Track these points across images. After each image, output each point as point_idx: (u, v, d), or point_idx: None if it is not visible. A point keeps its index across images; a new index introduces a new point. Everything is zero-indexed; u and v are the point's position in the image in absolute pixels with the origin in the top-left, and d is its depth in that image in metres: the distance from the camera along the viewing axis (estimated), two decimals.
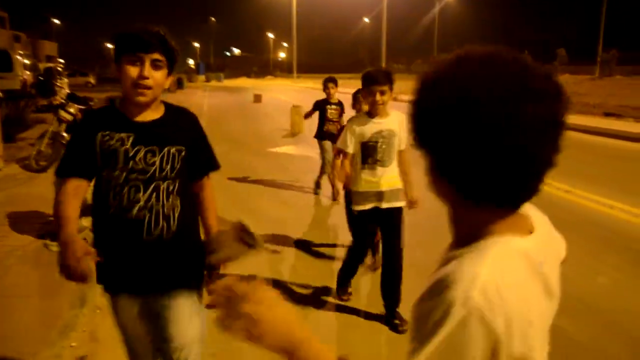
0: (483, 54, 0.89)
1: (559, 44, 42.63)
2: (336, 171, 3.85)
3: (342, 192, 4.40)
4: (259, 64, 72.70)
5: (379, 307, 3.79)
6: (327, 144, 7.01)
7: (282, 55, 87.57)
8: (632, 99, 18.60)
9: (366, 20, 69.00)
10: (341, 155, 3.75)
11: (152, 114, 2.08)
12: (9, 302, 3.77)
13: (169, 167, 2.08)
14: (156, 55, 1.97)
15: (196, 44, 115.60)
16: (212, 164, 2.32)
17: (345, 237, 4.51)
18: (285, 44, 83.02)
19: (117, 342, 2.33)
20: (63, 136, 6.67)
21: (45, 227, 5.21)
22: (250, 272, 1.01)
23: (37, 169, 7.68)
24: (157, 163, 2.05)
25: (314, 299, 4.10)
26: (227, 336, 0.93)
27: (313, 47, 74.94)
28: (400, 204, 3.69)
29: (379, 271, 3.88)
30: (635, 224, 5.93)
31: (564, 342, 3.13)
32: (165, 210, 2.08)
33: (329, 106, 7.13)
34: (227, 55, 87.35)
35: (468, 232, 0.91)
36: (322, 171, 7.27)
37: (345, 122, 6.56)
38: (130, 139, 2.02)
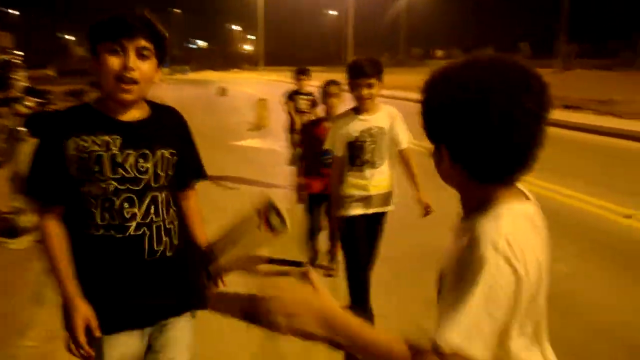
0: (489, 58, 1.09)
1: (523, 37, 43.46)
2: (333, 182, 3.37)
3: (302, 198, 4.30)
4: (225, 57, 71.95)
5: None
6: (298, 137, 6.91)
7: (247, 47, 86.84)
8: (590, 92, 19.09)
9: (334, 13, 68.97)
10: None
11: (138, 113, 1.76)
12: None
13: (164, 174, 1.78)
14: (142, 42, 1.64)
15: None
16: (200, 172, 2.01)
17: (322, 237, 4.50)
18: (251, 37, 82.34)
19: None
20: (19, 131, 6.46)
21: (1, 223, 5.04)
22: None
23: None
24: (151, 170, 1.74)
25: None
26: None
27: (280, 40, 74.55)
28: (389, 208, 3.40)
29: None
30: (591, 212, 6.09)
31: None
32: (167, 224, 1.78)
33: (299, 96, 6.95)
34: (192, 48, 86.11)
35: (478, 205, 1.09)
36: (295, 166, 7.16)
37: (318, 114, 6.32)
38: (118, 142, 1.68)
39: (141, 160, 1.72)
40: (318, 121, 4.43)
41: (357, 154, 3.25)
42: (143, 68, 1.66)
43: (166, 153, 1.78)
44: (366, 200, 3.28)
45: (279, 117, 7.33)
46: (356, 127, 3.22)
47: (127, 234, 1.71)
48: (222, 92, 24.88)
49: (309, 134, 4.36)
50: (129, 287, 1.75)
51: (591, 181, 7.52)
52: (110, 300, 1.74)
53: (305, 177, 4.30)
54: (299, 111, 6.89)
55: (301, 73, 7.02)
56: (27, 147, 4.95)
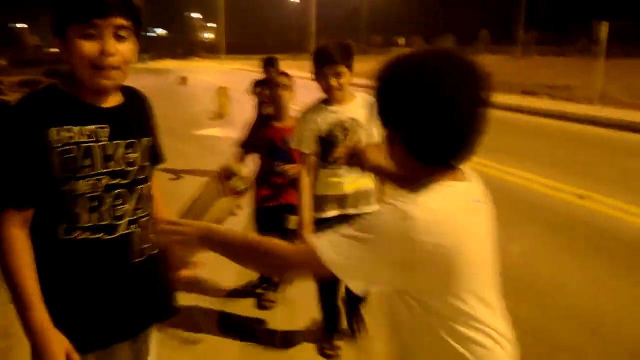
0: (438, 51, 1.22)
1: (484, 25, 44.05)
2: (303, 184, 2.95)
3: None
4: (185, 45, 70.70)
5: None
6: None
7: (208, 36, 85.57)
8: (548, 78, 19.52)
9: (295, 0, 68.50)
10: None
11: (115, 99, 1.57)
12: None
13: (148, 163, 1.62)
14: (120, 21, 1.42)
15: None
16: (161, 156, 1.81)
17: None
18: (212, 25, 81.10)
19: None
20: None
21: None
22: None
23: None
24: (138, 161, 1.57)
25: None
26: None
27: (241, 28, 73.63)
28: (371, 209, 2.92)
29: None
30: (547, 194, 6.25)
31: None
32: (150, 218, 1.63)
33: (266, 87, 6.79)
34: (151, 36, 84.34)
35: (423, 184, 1.20)
36: None
37: (293, 105, 6.33)
38: (106, 132, 1.49)
39: (130, 151, 1.55)
40: (265, 120, 3.83)
41: (329, 150, 2.90)
42: (123, 51, 1.45)
43: (148, 141, 1.63)
44: (342, 200, 2.92)
45: (240, 106, 7.23)
46: (327, 120, 2.88)
47: (117, 234, 1.52)
48: (183, 81, 24.47)
49: (255, 136, 3.78)
50: (117, 295, 1.55)
51: (547, 164, 7.72)
52: (97, 313, 1.52)
53: (256, 188, 3.62)
54: (262, 102, 6.76)
55: (269, 64, 6.52)
56: None
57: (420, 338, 1.26)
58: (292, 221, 3.23)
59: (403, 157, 1.25)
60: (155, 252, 1.62)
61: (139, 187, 1.59)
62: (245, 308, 3.66)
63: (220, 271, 3.10)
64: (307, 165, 2.96)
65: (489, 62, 26.70)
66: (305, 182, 2.94)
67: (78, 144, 1.45)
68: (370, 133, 2.86)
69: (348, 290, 2.94)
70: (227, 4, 61.28)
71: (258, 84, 6.49)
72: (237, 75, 27.79)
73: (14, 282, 1.40)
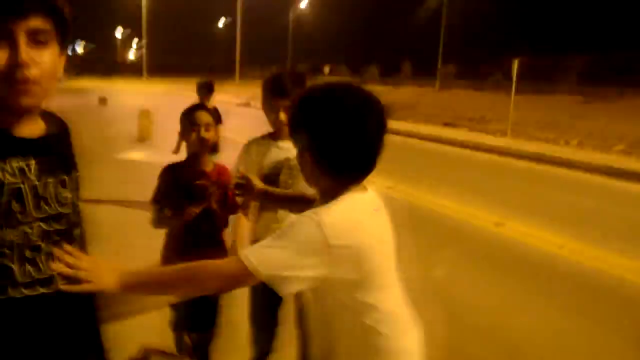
0: (348, 85, 1.47)
1: (406, 55, 45.76)
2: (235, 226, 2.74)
3: None
4: (106, 63, 68.53)
5: None
6: None
7: (131, 54, 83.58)
8: (465, 110, 20.51)
9: (220, 25, 68.43)
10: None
11: (37, 125, 1.29)
12: None
13: (78, 201, 1.38)
14: (36, 22, 1.14)
15: None
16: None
17: None
18: (135, 43, 79.36)
19: None
20: None
21: None
22: None
23: None
24: (70, 199, 1.33)
25: None
26: None
27: (166, 48, 72.41)
28: None
29: None
30: (465, 221, 6.50)
31: None
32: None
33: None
34: (69, 54, 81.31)
35: (332, 196, 1.41)
36: None
37: (222, 133, 5.71)
38: (33, 168, 1.22)
39: (60, 189, 1.29)
40: (190, 162, 2.81)
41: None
42: (42, 59, 1.17)
43: (76, 175, 1.40)
44: None
45: (164, 130, 7.03)
46: (271, 156, 2.58)
47: (55, 286, 1.27)
48: (102, 102, 23.62)
49: (174, 182, 2.80)
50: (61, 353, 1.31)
51: (466, 192, 8.05)
52: None
53: (171, 252, 2.77)
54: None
55: (204, 88, 6.27)
56: None
57: (338, 331, 1.47)
58: None
59: (316, 173, 1.45)
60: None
61: (74, 230, 1.36)
62: None
63: None
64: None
65: (412, 93, 27.79)
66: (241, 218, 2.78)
67: (2, 184, 1.16)
68: None
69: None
70: (151, 22, 60.24)
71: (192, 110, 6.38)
72: (162, 97, 27.20)
73: None
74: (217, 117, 5.90)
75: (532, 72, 20.44)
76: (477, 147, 13.33)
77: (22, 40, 1.13)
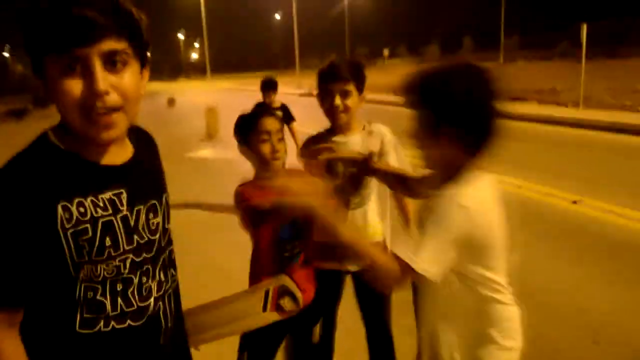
0: (466, 65, 1.52)
1: (466, 31, 44.47)
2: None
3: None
4: (170, 66, 70.68)
5: None
6: None
7: (194, 56, 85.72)
8: (533, 83, 19.69)
9: (277, 17, 68.89)
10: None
11: (123, 149, 1.21)
12: None
13: (169, 225, 1.32)
14: (109, 43, 1.02)
15: None
16: None
17: None
18: (197, 45, 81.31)
19: None
20: None
21: None
22: None
23: None
24: (160, 225, 1.27)
25: None
26: None
27: (225, 46, 73.81)
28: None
29: None
30: (540, 200, 6.27)
31: None
32: (173, 291, 1.33)
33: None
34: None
35: (456, 173, 1.47)
36: None
37: (295, 131, 5.77)
38: (124, 198, 1.16)
39: (151, 216, 1.23)
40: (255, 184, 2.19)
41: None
42: (122, 83, 1.06)
43: (166, 197, 1.32)
44: (336, 251, 2.22)
45: (230, 126, 7.14)
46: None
47: (146, 317, 1.22)
48: (171, 103, 24.46)
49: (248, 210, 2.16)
50: None
51: (539, 169, 7.75)
52: None
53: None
54: None
55: (268, 87, 5.97)
56: None
57: (457, 305, 1.55)
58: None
59: (446, 152, 1.48)
60: (177, 326, 1.36)
61: (162, 256, 1.28)
62: None
63: None
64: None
65: None
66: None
67: (93, 219, 1.09)
68: (384, 162, 2.38)
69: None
70: (210, 22, 61.54)
71: (259, 106, 6.06)
72: (226, 94, 27.81)
73: None
74: (288, 115, 5.90)
75: (601, 37, 19.34)
76: (548, 120, 12.80)
77: (98, 66, 1.02)
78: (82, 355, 1.16)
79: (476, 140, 1.47)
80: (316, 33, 54.81)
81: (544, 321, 3.53)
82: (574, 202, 6.07)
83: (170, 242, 1.33)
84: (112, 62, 1.05)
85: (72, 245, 1.08)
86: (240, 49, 77.46)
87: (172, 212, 1.36)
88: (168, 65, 69.55)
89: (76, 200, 1.08)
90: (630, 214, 5.57)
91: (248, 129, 2.15)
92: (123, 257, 1.16)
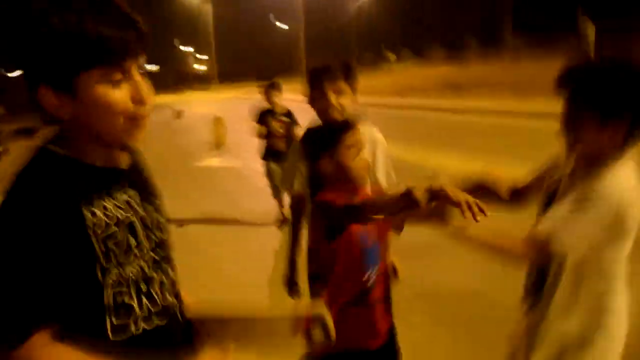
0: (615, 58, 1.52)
1: (469, 31, 44.39)
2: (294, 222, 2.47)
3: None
4: (176, 78, 71.17)
5: None
6: (274, 166, 5.77)
7: (198, 67, 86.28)
8: (539, 81, 19.57)
9: (284, 27, 69.31)
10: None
11: (123, 154, 1.26)
12: None
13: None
14: (143, 56, 1.14)
15: None
16: None
17: None
18: (201, 56, 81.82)
19: None
20: None
21: None
22: None
23: None
24: (165, 224, 1.32)
25: None
26: None
27: (231, 56, 74.19)
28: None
29: None
30: None
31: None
32: (178, 288, 1.35)
33: (272, 117, 5.82)
34: (140, 72, 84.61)
35: (607, 161, 1.49)
36: (277, 200, 5.94)
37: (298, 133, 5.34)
38: (137, 199, 1.22)
39: (157, 214, 1.29)
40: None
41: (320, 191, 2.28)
42: (150, 90, 1.16)
43: (160, 196, 1.39)
44: None
45: (237, 135, 7.18)
46: None
47: (169, 316, 1.25)
48: (178, 114, 24.54)
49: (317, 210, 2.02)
50: None
51: None
52: None
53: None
54: (273, 135, 5.79)
55: (272, 88, 5.83)
56: None
57: (579, 294, 1.54)
58: None
59: (613, 140, 1.49)
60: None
61: (171, 253, 1.33)
62: None
63: None
64: (296, 202, 2.46)
65: (480, 68, 26.84)
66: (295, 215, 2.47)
67: (119, 221, 1.13)
68: (372, 174, 2.34)
69: None
70: (215, 32, 61.91)
71: (261, 116, 5.88)
72: (232, 103, 27.91)
73: None
74: (294, 120, 5.82)
75: (608, 34, 19.20)
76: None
77: (139, 77, 1.12)
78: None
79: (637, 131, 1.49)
80: (321, 39, 54.99)
81: None
82: None
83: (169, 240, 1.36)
84: (140, 74, 1.14)
85: (103, 250, 1.09)
86: (245, 58, 77.91)
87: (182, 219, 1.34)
88: (173, 78, 70.04)
89: (100, 204, 1.11)
90: None
91: (332, 143, 1.93)
92: (147, 257, 1.20)
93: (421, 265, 3.94)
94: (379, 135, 2.45)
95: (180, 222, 6.02)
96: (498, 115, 14.46)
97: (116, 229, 1.12)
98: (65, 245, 1.04)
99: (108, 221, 1.10)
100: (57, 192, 1.05)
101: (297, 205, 2.48)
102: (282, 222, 5.76)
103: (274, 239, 5.37)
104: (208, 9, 59.43)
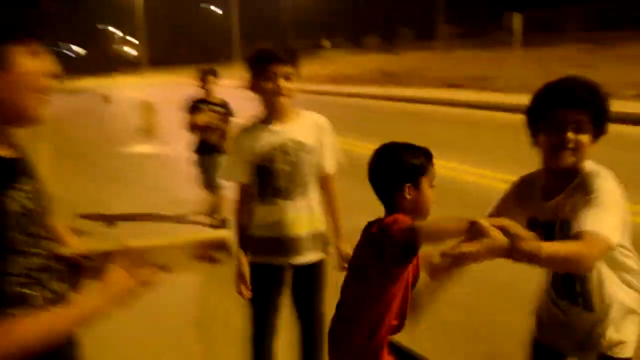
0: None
1: (404, 22, 45.11)
2: (239, 217, 2.45)
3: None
4: (105, 61, 68.34)
5: None
6: (209, 160, 5.19)
7: (128, 50, 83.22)
8: (470, 70, 20.16)
9: (218, 10, 67.85)
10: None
11: (11, 144, 1.26)
12: None
13: None
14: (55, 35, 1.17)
15: None
16: None
17: None
18: (131, 39, 78.91)
19: None
20: None
21: None
22: None
23: None
24: (47, 210, 1.30)
25: None
26: None
27: (162, 39, 71.94)
28: (320, 256, 2.45)
29: None
30: (483, 184, 6.36)
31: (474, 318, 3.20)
32: None
33: (207, 106, 5.24)
34: (67, 54, 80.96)
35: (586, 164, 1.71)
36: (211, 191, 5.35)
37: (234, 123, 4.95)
38: (35, 188, 1.23)
39: (45, 203, 1.28)
40: None
41: (267, 180, 2.33)
42: (58, 70, 1.25)
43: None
44: (282, 244, 2.36)
45: (168, 121, 6.96)
46: (265, 141, 2.30)
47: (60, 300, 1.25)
48: (106, 99, 23.58)
49: None
50: None
51: (477, 152, 7.89)
52: None
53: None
54: (206, 128, 5.20)
55: (208, 74, 5.33)
56: None
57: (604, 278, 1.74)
58: None
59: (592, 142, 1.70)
60: None
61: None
62: None
63: None
64: (242, 194, 2.42)
65: (414, 58, 27.38)
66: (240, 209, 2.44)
67: (31, 212, 1.15)
68: (318, 160, 2.38)
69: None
70: (146, 15, 59.83)
71: (193, 105, 5.26)
72: (163, 88, 27.11)
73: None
74: (229, 111, 5.35)
75: (536, 25, 20.02)
76: (486, 107, 13.12)
77: (43, 54, 1.18)
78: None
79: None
80: (256, 26, 54.27)
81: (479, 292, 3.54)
82: (507, 182, 6.16)
83: None
84: None
85: (11, 238, 1.10)
86: (178, 43, 75.83)
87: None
88: (101, 61, 67.21)
89: (11, 194, 1.11)
90: None
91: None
92: (46, 242, 1.21)
93: None
94: (323, 121, 2.44)
95: (111, 220, 5.79)
96: (432, 103, 14.77)
97: (26, 214, 1.14)
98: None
99: (22, 209, 1.12)
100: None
101: (243, 196, 2.42)
102: (221, 222, 5.37)
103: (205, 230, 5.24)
104: None
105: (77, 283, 1.33)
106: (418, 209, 1.72)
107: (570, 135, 1.65)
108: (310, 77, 23.27)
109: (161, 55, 62.80)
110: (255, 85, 2.29)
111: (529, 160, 2.10)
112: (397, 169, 1.70)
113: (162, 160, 9.36)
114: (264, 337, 2.52)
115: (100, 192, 7.12)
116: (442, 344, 3.13)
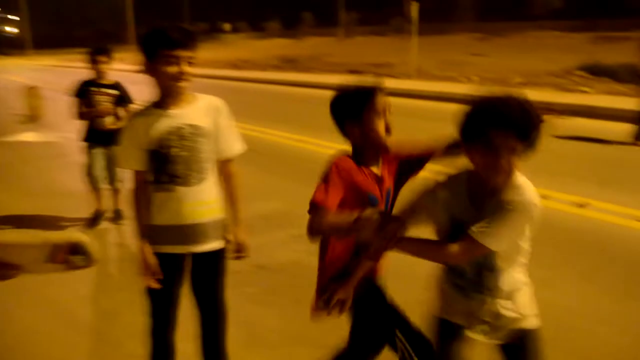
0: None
1: (306, 7, 45.14)
2: (136, 208, 2.34)
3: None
4: None
5: None
6: (99, 150, 4.83)
7: (10, 29, 76.79)
8: (370, 57, 20.61)
9: None
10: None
11: None
12: None
13: None
14: None
15: None
16: None
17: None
18: (13, 17, 72.84)
19: None
20: None
21: None
22: None
23: None
24: None
25: None
26: None
27: (48, 19, 67.06)
28: (220, 244, 2.39)
29: None
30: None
31: None
32: None
33: (96, 89, 4.81)
34: None
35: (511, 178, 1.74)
36: (96, 192, 5.00)
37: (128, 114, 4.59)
38: None
39: None
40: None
41: (163, 167, 2.24)
42: None
43: None
44: (181, 232, 2.29)
45: (56, 107, 6.44)
46: (160, 126, 2.21)
47: None
48: None
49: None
50: None
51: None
52: None
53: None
54: (96, 115, 4.80)
55: (99, 53, 4.82)
56: None
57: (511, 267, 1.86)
58: None
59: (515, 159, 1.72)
60: None
61: None
62: None
63: None
64: (138, 182, 2.30)
65: (315, 44, 27.54)
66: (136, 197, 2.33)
67: None
68: (216, 145, 2.32)
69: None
70: None
71: (80, 88, 4.87)
72: (50, 71, 25.35)
73: None
74: (123, 96, 4.93)
75: (432, 14, 20.80)
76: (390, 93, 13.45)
77: None
78: None
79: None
80: (152, 6, 51.96)
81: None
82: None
83: None
84: None
85: None
86: (67, 23, 71.00)
87: None
88: None
89: None
90: None
91: (362, 106, 2.08)
92: None
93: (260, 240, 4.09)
94: (219, 102, 2.38)
95: None
96: (332, 89, 14.92)
97: None
98: None
99: None
100: None
101: (139, 184, 2.31)
102: (115, 213, 5.06)
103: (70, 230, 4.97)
104: None
105: None
106: (369, 142, 2.03)
107: (504, 161, 1.66)
108: (208, 61, 22.71)
109: (48, 37, 58.56)
110: (152, 69, 2.18)
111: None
112: (334, 110, 2.07)
113: (50, 148, 8.73)
114: (165, 329, 2.43)
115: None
116: None
